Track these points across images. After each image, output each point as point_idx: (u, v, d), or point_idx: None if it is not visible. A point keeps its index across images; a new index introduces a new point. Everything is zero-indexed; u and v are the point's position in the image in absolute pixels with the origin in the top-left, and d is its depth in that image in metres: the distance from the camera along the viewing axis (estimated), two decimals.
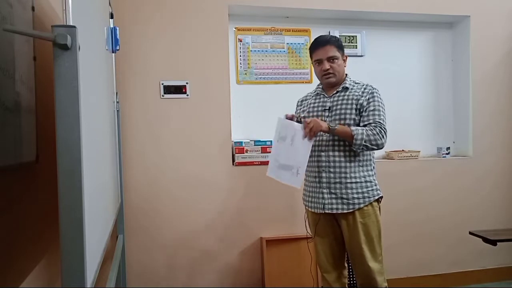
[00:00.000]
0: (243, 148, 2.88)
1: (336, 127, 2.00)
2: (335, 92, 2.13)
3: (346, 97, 2.09)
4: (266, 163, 2.89)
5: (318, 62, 2.13)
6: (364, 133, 1.96)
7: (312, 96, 2.25)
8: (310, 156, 2.08)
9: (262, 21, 3.13)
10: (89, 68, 1.12)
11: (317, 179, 2.11)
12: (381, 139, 1.98)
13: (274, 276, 2.83)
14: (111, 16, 2.21)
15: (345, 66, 2.15)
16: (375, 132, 1.97)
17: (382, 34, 3.33)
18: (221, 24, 2.86)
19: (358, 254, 2.04)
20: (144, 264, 2.73)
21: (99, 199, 1.24)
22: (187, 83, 2.80)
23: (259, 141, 2.91)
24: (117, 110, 2.41)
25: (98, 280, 1.12)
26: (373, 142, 1.96)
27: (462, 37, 3.39)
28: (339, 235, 2.13)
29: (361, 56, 3.28)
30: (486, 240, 2.51)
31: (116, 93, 2.43)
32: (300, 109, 2.30)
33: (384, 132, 1.99)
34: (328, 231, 2.14)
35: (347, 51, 3.22)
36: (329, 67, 2.10)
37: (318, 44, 2.12)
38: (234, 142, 2.90)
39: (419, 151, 3.26)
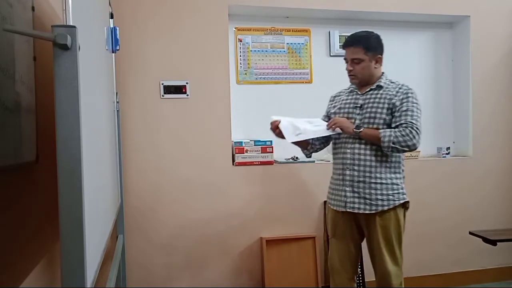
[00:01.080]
0: (243, 148, 2.88)
1: (360, 130, 1.97)
2: (368, 90, 2.09)
3: (378, 95, 2.04)
4: (266, 163, 2.91)
5: (345, 61, 2.12)
6: (392, 135, 1.91)
7: (345, 93, 2.22)
8: (336, 153, 2.10)
9: (262, 21, 3.13)
10: (89, 68, 1.12)
11: (340, 177, 2.08)
12: (411, 140, 1.91)
13: (274, 276, 2.83)
14: (111, 16, 2.21)
15: (375, 68, 2.08)
16: (404, 133, 1.91)
17: (382, 34, 3.25)
18: (221, 24, 2.86)
19: (377, 255, 2.01)
20: (144, 264, 2.73)
21: (99, 199, 1.24)
22: (187, 83, 2.80)
23: (259, 141, 2.91)
24: (117, 110, 2.41)
25: (98, 280, 1.12)
26: (403, 144, 1.91)
27: (462, 37, 3.39)
28: (356, 238, 2.10)
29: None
30: (486, 240, 2.51)
31: (116, 93, 2.43)
32: (332, 104, 2.27)
33: (416, 132, 1.92)
34: (346, 233, 2.09)
35: None
36: (352, 68, 2.07)
37: (346, 43, 2.10)
38: (234, 142, 2.90)
39: (419, 151, 3.25)
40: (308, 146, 2.26)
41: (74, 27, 0.79)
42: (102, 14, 1.73)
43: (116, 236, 2.48)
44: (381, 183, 1.98)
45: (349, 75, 2.11)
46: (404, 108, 1.98)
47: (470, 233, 2.67)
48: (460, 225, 3.17)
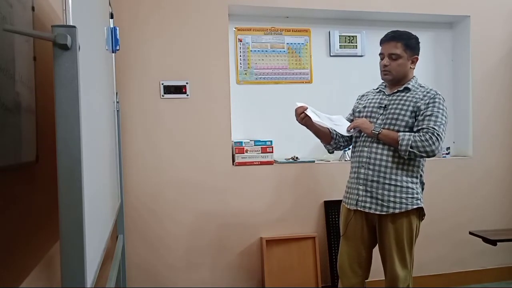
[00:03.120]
0: (243, 148, 2.88)
1: (379, 132, 1.95)
2: (395, 91, 2.05)
3: (405, 97, 2.00)
4: (266, 163, 2.91)
5: (381, 56, 2.07)
6: (411, 139, 1.87)
7: (373, 93, 2.18)
8: (354, 152, 2.10)
9: (262, 21, 3.13)
10: (89, 68, 1.12)
11: (355, 175, 2.06)
12: (430, 146, 1.86)
13: (274, 276, 2.83)
14: (111, 16, 2.21)
15: (411, 68, 2.05)
16: (424, 139, 1.87)
17: (382, 34, 3.30)
18: (221, 24, 2.86)
19: (388, 259, 1.99)
20: (144, 264, 2.73)
21: (99, 199, 1.24)
22: (187, 83, 2.80)
23: (259, 141, 2.91)
24: (117, 110, 2.41)
25: (98, 280, 1.12)
26: (421, 149, 1.86)
27: (462, 37, 3.39)
28: (367, 240, 2.06)
29: (361, 56, 3.28)
30: (486, 240, 2.51)
31: (116, 93, 2.43)
32: (358, 103, 2.23)
33: (437, 139, 1.88)
34: (357, 233, 2.06)
35: (346, 51, 3.27)
36: (388, 64, 2.02)
37: (386, 37, 2.06)
38: (234, 142, 2.90)
39: None
40: (331, 141, 2.20)
41: (74, 27, 0.79)
42: (102, 14, 1.73)
43: (116, 236, 2.48)
44: (395, 185, 1.94)
45: (383, 70, 2.05)
46: (429, 113, 1.94)
47: (470, 233, 2.67)
48: (460, 225, 3.17)
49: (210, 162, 2.82)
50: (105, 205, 1.46)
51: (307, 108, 2.04)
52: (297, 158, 3.04)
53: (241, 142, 2.89)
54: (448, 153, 3.31)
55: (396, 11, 3.13)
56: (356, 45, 3.25)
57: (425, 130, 1.90)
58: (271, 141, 2.92)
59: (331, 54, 3.25)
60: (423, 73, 3.43)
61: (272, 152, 2.91)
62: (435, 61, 3.46)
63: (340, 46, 3.23)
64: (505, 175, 3.33)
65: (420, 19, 3.33)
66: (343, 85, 3.24)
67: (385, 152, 1.97)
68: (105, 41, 1.74)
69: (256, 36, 3.13)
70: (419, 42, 2.10)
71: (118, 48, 2.19)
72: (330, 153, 2.32)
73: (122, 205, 2.56)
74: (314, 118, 2.03)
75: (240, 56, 3.10)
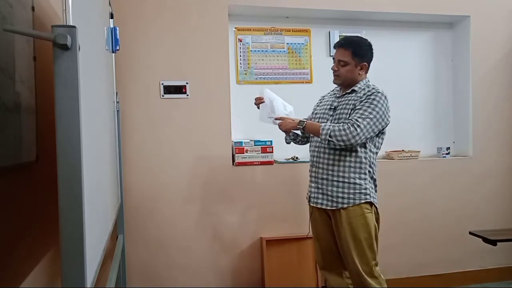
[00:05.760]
0: (243, 148, 2.87)
1: (304, 123, 2.05)
2: (344, 93, 2.15)
3: (349, 98, 2.09)
4: (266, 163, 2.91)
5: (333, 60, 2.17)
6: (330, 128, 1.95)
7: (330, 95, 2.28)
8: (309, 151, 2.22)
9: (262, 21, 3.13)
10: (89, 68, 1.12)
11: (310, 173, 2.18)
12: (347, 135, 1.91)
13: (274, 276, 2.83)
14: (111, 16, 2.21)
15: (359, 74, 2.11)
16: (342, 128, 1.93)
17: (382, 34, 3.33)
18: (221, 24, 2.85)
19: (346, 254, 2.03)
20: (144, 264, 2.73)
21: (99, 199, 1.24)
22: (187, 83, 2.80)
23: (259, 141, 2.91)
24: (117, 110, 2.41)
25: (98, 280, 1.12)
26: (339, 138, 1.93)
27: (462, 37, 3.39)
28: (332, 234, 2.12)
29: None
30: (486, 240, 2.51)
31: (116, 93, 2.43)
32: (317, 104, 2.34)
33: (355, 129, 1.91)
34: (324, 227, 2.15)
35: None
36: (336, 69, 2.12)
37: (337, 44, 2.16)
38: (234, 142, 2.90)
39: (419, 151, 3.26)
40: (289, 132, 2.27)
41: (74, 27, 0.79)
42: (102, 14, 1.73)
43: (116, 236, 2.48)
44: (343, 182, 2.02)
45: (334, 75, 2.16)
46: (359, 107, 2.00)
47: (470, 233, 2.67)
48: (460, 225, 3.17)
49: (210, 162, 2.82)
50: (105, 205, 1.46)
51: (263, 101, 2.22)
52: (297, 158, 3.04)
53: (241, 142, 2.89)
54: (448, 153, 3.31)
55: (396, 11, 3.13)
56: None
57: (347, 121, 1.98)
58: (271, 141, 2.92)
59: (331, 54, 3.24)
60: (423, 73, 3.44)
61: (272, 152, 2.91)
62: (435, 61, 3.46)
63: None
64: (505, 175, 3.33)
65: (420, 19, 3.33)
66: None
67: (332, 151, 2.06)
68: (105, 41, 1.74)
69: (256, 36, 3.13)
70: (371, 49, 2.15)
71: (118, 48, 2.19)
72: (287, 143, 2.40)
73: (122, 205, 2.56)
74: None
75: (240, 56, 3.10)
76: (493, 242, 2.48)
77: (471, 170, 3.27)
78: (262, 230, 2.90)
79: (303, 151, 3.11)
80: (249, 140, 2.91)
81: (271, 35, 3.15)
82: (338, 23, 3.24)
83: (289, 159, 3.04)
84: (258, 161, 2.89)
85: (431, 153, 3.39)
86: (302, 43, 3.20)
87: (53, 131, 0.80)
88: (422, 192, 3.14)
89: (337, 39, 3.19)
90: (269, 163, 2.91)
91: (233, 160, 2.88)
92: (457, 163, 3.27)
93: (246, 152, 2.88)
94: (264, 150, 2.90)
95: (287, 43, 3.17)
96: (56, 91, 0.79)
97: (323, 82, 3.20)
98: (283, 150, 3.05)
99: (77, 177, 0.81)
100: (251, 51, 3.11)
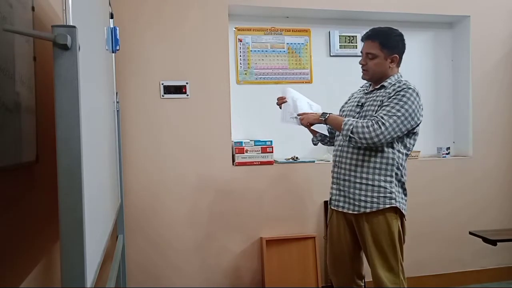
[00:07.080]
0: (243, 148, 2.88)
1: (327, 115, 1.95)
2: (373, 89, 2.01)
3: (378, 95, 1.95)
4: (266, 163, 2.91)
5: (361, 55, 2.02)
6: (353, 124, 1.83)
7: (359, 91, 2.15)
8: (333, 150, 2.10)
9: (262, 21, 3.13)
10: (89, 68, 1.12)
11: (332, 174, 2.05)
12: (370, 133, 1.78)
13: (274, 276, 2.83)
14: (111, 16, 2.21)
15: (390, 67, 1.96)
16: (365, 125, 1.80)
17: None
18: (221, 24, 2.85)
19: (370, 260, 1.91)
20: (144, 264, 2.73)
21: (99, 199, 1.24)
22: (187, 83, 2.80)
23: (259, 141, 2.91)
24: (117, 110, 2.41)
25: (98, 280, 1.12)
26: (361, 135, 1.80)
27: (462, 37, 3.39)
28: (350, 239, 2.01)
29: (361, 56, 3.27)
30: (486, 240, 2.52)
31: (116, 93, 2.43)
32: (345, 101, 2.20)
33: (379, 126, 1.78)
34: (340, 232, 2.02)
35: (346, 51, 3.27)
36: (365, 63, 1.98)
37: (365, 36, 2.00)
38: (234, 142, 2.90)
39: (419, 151, 3.26)
40: (316, 133, 2.16)
41: (74, 27, 0.79)
42: (102, 14, 1.73)
43: (116, 236, 2.48)
44: (367, 184, 1.88)
45: (362, 69, 2.01)
46: (386, 103, 1.85)
47: (470, 233, 2.67)
48: (460, 225, 3.17)
49: (210, 162, 2.82)
50: (105, 205, 1.46)
51: (285, 101, 2.11)
52: (297, 158, 3.04)
53: (241, 142, 2.89)
54: (448, 153, 3.31)
55: (396, 11, 3.13)
56: (356, 45, 3.24)
57: (372, 118, 1.84)
58: (271, 141, 2.92)
59: (331, 54, 3.25)
60: (423, 73, 3.44)
61: (272, 152, 2.91)
62: (435, 61, 3.46)
63: (340, 46, 3.23)
64: (505, 175, 3.33)
65: (420, 19, 3.33)
66: (343, 85, 3.22)
67: (356, 151, 1.92)
68: (105, 41, 1.74)
69: (256, 36, 3.13)
70: (402, 39, 1.99)
71: (118, 48, 2.19)
72: (314, 144, 2.28)
73: (122, 205, 2.56)
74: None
75: (240, 56, 3.10)
76: (493, 242, 2.48)
77: (471, 170, 3.27)
78: (262, 230, 2.90)
79: (303, 151, 3.11)
80: (249, 140, 2.91)
81: (271, 35, 3.15)
82: (338, 23, 3.24)
83: (289, 159, 3.04)
84: (258, 161, 2.89)
85: (431, 153, 3.39)
86: (302, 43, 3.20)
87: (53, 131, 0.80)
88: (422, 192, 3.14)
89: (337, 39, 3.21)
90: (269, 163, 2.91)
91: (233, 160, 2.88)
92: (457, 163, 3.27)
93: (246, 152, 2.88)
94: (264, 150, 2.90)
95: (287, 43, 3.17)
96: (56, 91, 0.79)
97: (323, 82, 3.22)
98: (283, 150, 3.06)
99: (77, 177, 0.80)
100: (251, 51, 3.11)
